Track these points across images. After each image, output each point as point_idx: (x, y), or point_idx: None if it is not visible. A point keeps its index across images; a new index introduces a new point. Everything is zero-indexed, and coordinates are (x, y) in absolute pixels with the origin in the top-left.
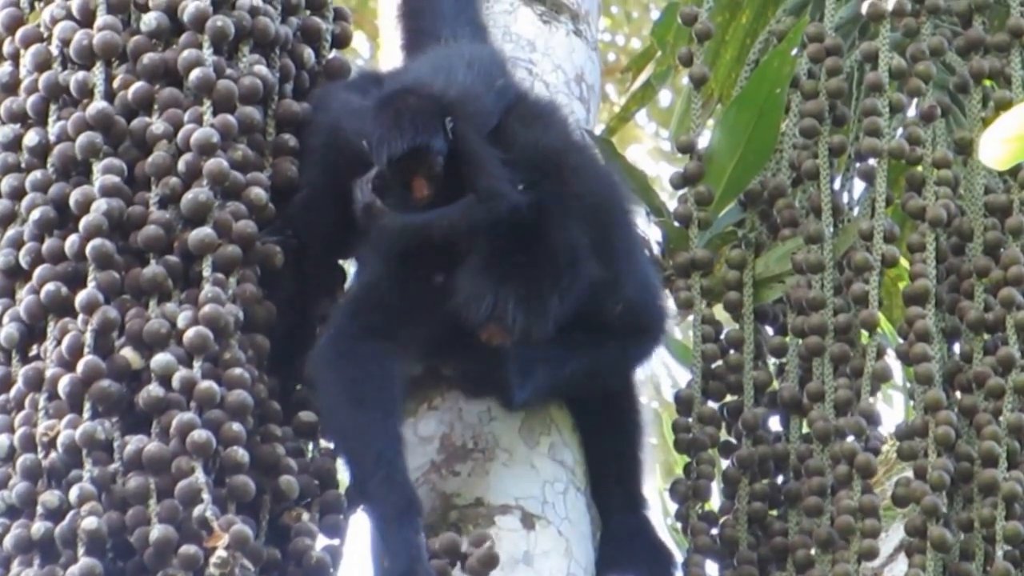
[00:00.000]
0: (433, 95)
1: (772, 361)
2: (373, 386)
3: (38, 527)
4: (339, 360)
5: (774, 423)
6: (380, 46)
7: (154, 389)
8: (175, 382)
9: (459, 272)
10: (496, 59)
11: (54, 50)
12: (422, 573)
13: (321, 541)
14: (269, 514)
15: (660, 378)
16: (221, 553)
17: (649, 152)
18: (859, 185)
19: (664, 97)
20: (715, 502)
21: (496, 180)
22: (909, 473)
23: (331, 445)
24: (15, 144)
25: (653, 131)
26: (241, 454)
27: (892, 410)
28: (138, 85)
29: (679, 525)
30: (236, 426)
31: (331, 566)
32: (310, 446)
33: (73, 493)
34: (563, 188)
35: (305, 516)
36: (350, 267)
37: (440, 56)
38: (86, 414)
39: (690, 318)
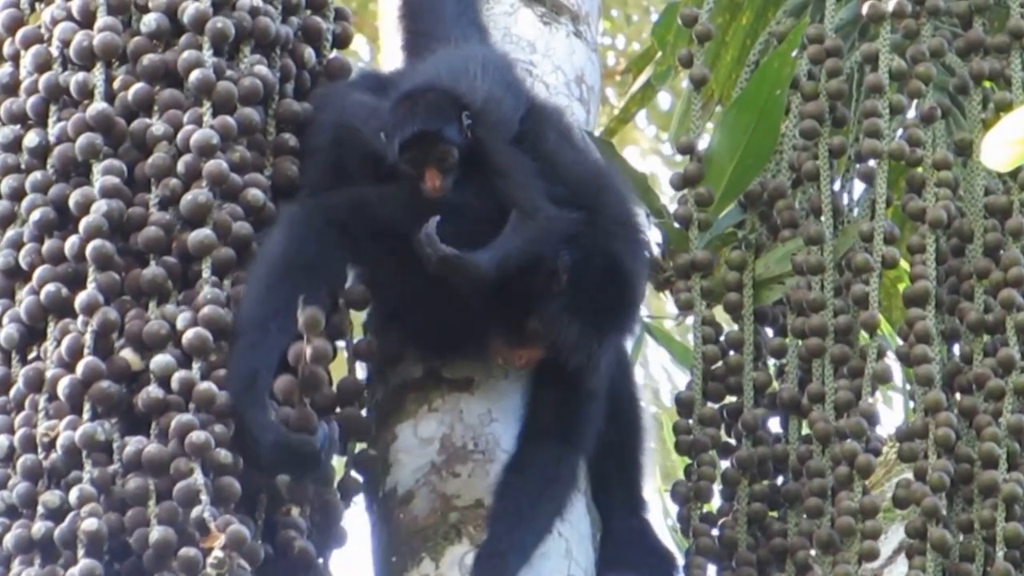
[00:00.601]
0: (453, 92)
1: (772, 362)
2: (305, 264)
3: (39, 527)
4: (300, 224)
5: (774, 424)
6: (380, 49)
7: (153, 390)
8: (174, 383)
9: (547, 297)
10: (507, 63)
11: (54, 51)
12: (291, 442)
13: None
14: (265, 513)
15: (659, 383)
16: (218, 553)
17: (643, 152)
18: (859, 186)
19: (664, 100)
20: (715, 503)
21: (535, 192)
22: (909, 475)
23: None
24: (15, 145)
25: (653, 134)
26: (224, 455)
27: (892, 412)
28: (138, 86)
29: (679, 526)
30: (219, 428)
31: (316, 556)
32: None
33: (73, 494)
34: (604, 209)
35: (295, 511)
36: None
37: (454, 58)
38: (86, 415)
39: (690, 320)
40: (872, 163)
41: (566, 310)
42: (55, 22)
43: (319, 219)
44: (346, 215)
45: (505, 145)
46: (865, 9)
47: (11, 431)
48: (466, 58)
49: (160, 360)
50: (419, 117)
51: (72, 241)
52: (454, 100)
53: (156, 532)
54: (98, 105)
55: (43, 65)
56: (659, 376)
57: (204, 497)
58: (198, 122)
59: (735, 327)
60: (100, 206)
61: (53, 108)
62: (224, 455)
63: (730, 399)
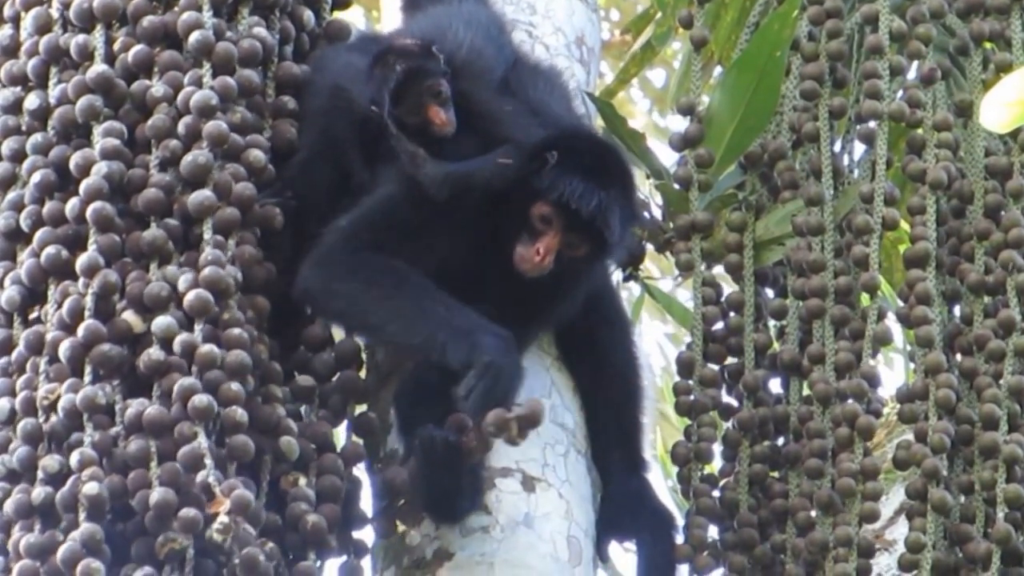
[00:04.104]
0: (422, 39)
1: (772, 323)
2: (394, 269)
3: (39, 492)
4: (352, 268)
5: (775, 385)
6: (376, 20)
7: (155, 352)
8: (176, 346)
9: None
10: (494, 19)
11: (55, 13)
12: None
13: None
14: (269, 476)
15: (651, 356)
16: (223, 518)
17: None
18: (859, 148)
19: (658, 77)
20: (716, 464)
21: (521, 131)
22: (910, 436)
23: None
24: (16, 107)
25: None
26: (240, 414)
27: (893, 373)
28: (138, 48)
29: (679, 487)
30: (235, 386)
31: (328, 531)
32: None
33: (74, 458)
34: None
35: (302, 481)
36: None
37: (439, 15)
38: (87, 378)
39: (690, 281)
40: (872, 124)
41: (563, 173)
42: None
43: (371, 253)
44: (385, 237)
45: (489, 93)
46: None
47: (12, 394)
48: (450, 15)
49: (162, 322)
50: (396, 65)
51: (73, 203)
52: (424, 44)
53: (157, 493)
54: (98, 67)
55: (43, 27)
56: (651, 351)
57: (208, 461)
58: (198, 83)
59: (735, 288)
60: (100, 168)
61: (53, 70)
62: (240, 414)
63: (731, 360)
